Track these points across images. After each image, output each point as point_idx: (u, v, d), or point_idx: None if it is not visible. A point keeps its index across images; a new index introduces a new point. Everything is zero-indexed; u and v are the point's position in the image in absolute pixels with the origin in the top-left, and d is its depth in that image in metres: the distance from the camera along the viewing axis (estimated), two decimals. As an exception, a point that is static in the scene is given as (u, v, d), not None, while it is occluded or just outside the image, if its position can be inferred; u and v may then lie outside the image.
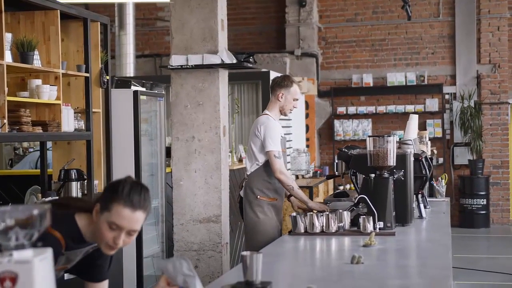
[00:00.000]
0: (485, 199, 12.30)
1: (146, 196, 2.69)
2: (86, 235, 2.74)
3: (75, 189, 5.42)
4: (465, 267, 8.87)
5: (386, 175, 4.44)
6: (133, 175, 6.21)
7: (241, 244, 7.86)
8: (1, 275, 1.72)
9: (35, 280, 1.71)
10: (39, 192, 5.61)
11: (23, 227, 1.75)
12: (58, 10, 5.16)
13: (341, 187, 10.67)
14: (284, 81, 5.32)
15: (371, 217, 4.26)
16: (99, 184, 5.84)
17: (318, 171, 10.87)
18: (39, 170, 5.87)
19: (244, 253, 2.73)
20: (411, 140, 5.27)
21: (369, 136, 4.51)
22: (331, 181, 10.94)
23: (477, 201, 12.27)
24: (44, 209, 1.76)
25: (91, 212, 2.73)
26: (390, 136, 4.46)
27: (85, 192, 5.62)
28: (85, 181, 5.60)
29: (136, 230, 2.68)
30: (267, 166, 5.21)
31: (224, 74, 5.91)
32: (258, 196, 5.26)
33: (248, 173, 5.36)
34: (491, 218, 12.50)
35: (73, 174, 5.44)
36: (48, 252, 1.77)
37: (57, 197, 4.92)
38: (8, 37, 4.70)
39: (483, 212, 12.31)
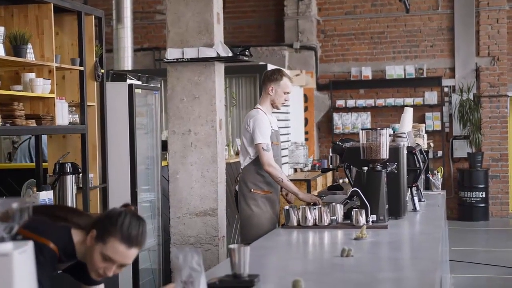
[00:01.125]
0: (484, 192, 12.30)
1: (143, 231, 2.70)
2: (78, 253, 2.74)
3: (70, 183, 5.42)
4: (463, 260, 8.88)
5: (379, 168, 4.44)
6: (128, 168, 6.23)
7: (238, 237, 7.87)
8: (-19, 268, 1.73)
9: (14, 273, 1.71)
10: (34, 185, 5.62)
11: (3, 221, 1.76)
12: (52, 4, 5.15)
13: (340, 181, 10.67)
14: (274, 75, 5.34)
15: (364, 210, 4.26)
16: (94, 178, 5.84)
17: (317, 165, 10.87)
18: (34, 164, 5.87)
19: (232, 246, 2.75)
20: (405, 133, 5.27)
21: (362, 129, 4.51)
22: (329, 174, 10.94)
23: (476, 194, 12.27)
24: (24, 203, 1.77)
25: (86, 230, 2.72)
26: (383, 129, 4.45)
27: (80, 185, 5.62)
28: (80, 174, 5.60)
29: (128, 264, 2.70)
30: (259, 159, 5.23)
31: (220, 68, 5.91)
32: (252, 190, 5.28)
33: (241, 167, 5.38)
34: (490, 211, 12.50)
35: (68, 167, 5.43)
36: (29, 245, 1.78)
37: (55, 205, 4.87)
38: (0, 30, 4.70)
39: (482, 205, 12.32)
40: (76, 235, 2.73)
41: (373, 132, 4.45)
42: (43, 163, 5.77)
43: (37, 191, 5.31)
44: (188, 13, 5.75)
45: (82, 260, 2.77)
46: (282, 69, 5.85)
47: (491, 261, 8.83)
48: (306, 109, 12.36)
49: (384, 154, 4.43)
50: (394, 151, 4.59)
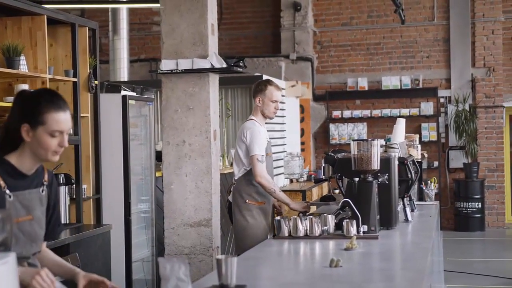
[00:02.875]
0: (480, 203, 12.31)
1: (62, 97, 2.86)
2: (23, 167, 2.81)
3: (63, 194, 5.44)
4: (458, 270, 8.88)
5: (370, 178, 4.45)
6: (122, 179, 6.25)
7: (232, 248, 7.88)
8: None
9: (-4, 284, 1.73)
10: (28, 196, 5.62)
11: (-15, 232, 1.77)
12: (45, 16, 5.19)
13: (337, 191, 10.67)
14: (259, 86, 5.42)
15: (355, 221, 4.27)
16: (87, 189, 5.86)
17: (313, 175, 10.87)
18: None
19: (219, 257, 2.76)
20: (396, 143, 5.28)
21: (353, 140, 4.53)
22: (325, 185, 10.95)
23: (472, 205, 12.28)
24: (5, 214, 1.78)
25: (14, 146, 2.81)
26: (374, 140, 4.47)
27: (74, 196, 5.63)
28: (73, 185, 5.62)
29: (69, 129, 2.87)
30: (252, 170, 5.26)
31: (214, 79, 5.92)
32: (247, 200, 5.32)
33: (235, 178, 5.41)
34: (486, 221, 12.51)
35: (61, 178, 5.45)
36: (11, 257, 1.79)
37: None
38: (-7, 42, 4.73)
39: (478, 215, 12.32)
40: (10, 157, 2.81)
41: (364, 143, 4.46)
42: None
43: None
44: (183, 24, 5.76)
45: (31, 169, 2.83)
46: (270, 79, 5.88)
47: (486, 272, 8.83)
48: (302, 119, 12.39)
49: (375, 165, 4.44)
50: (385, 161, 4.60)
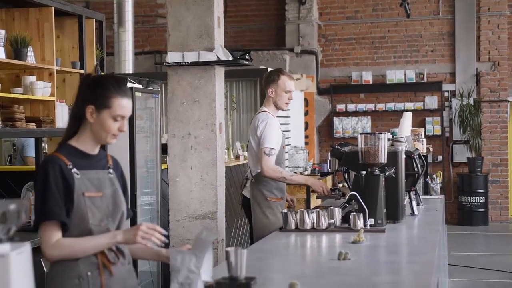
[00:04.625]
0: (483, 197, 12.31)
1: (127, 83, 3.00)
2: (86, 149, 2.91)
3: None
4: (462, 264, 8.89)
5: (377, 172, 4.45)
6: (128, 171, 6.25)
7: (237, 241, 7.89)
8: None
9: (11, 274, 1.73)
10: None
11: (0, 222, 1.78)
12: (53, 7, 5.19)
13: (340, 185, 10.66)
14: (271, 76, 5.35)
15: (362, 214, 4.28)
16: (93, 180, 5.86)
17: (317, 168, 10.87)
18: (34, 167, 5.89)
19: (228, 248, 2.76)
20: (403, 137, 5.28)
21: (360, 134, 4.53)
22: (330, 178, 10.95)
23: (475, 199, 12.29)
24: (21, 205, 1.79)
25: (75, 134, 2.92)
26: (381, 133, 4.47)
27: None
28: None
29: (129, 115, 2.98)
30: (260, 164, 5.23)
31: (220, 71, 5.92)
32: (268, 198, 5.25)
33: (253, 174, 5.33)
34: (489, 216, 12.52)
35: (68, 170, 5.45)
36: (26, 247, 1.79)
37: None
38: (1, 33, 4.73)
39: (482, 210, 12.33)
40: (72, 141, 2.91)
41: (372, 136, 4.46)
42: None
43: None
44: (189, 17, 5.76)
45: (94, 148, 2.94)
46: (281, 68, 5.83)
47: (490, 266, 8.84)
48: (306, 113, 12.39)
49: (382, 158, 4.44)
50: (392, 155, 4.60)
